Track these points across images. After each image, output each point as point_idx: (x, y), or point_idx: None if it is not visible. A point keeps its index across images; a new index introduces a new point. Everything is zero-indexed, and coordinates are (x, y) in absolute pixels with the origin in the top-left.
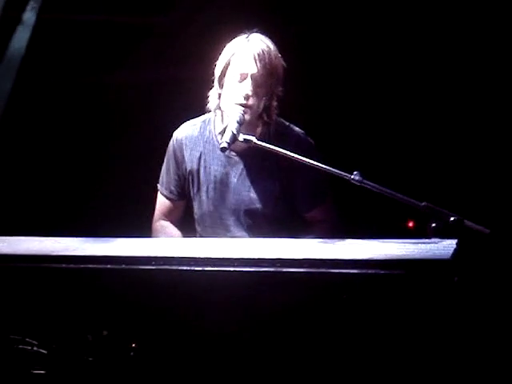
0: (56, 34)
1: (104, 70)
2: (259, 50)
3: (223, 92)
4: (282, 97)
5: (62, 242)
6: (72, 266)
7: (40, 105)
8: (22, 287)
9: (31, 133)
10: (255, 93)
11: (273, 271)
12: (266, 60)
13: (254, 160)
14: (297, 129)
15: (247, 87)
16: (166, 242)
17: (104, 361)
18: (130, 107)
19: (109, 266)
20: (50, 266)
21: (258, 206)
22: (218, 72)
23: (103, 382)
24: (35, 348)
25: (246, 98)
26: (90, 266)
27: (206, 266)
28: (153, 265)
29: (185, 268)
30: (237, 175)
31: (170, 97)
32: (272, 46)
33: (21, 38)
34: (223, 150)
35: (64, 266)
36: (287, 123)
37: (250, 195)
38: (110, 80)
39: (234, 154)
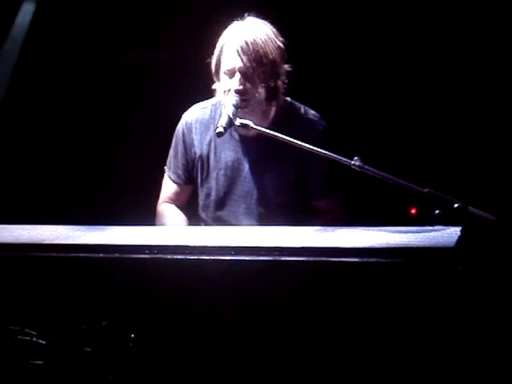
0: (63, 12)
1: (112, 50)
2: (242, 43)
3: (219, 86)
4: (291, 73)
5: (53, 230)
6: (63, 254)
7: (43, 85)
8: (12, 277)
9: (32, 114)
10: (246, 83)
11: (271, 260)
12: (250, 51)
13: (267, 145)
14: (311, 112)
15: (237, 83)
16: (160, 230)
17: (103, 351)
18: (138, 88)
19: (101, 255)
20: (41, 255)
21: (271, 193)
22: (213, 68)
23: (102, 373)
24: (34, 339)
25: (239, 92)
26: (82, 254)
27: (202, 254)
28: (146, 253)
29: (180, 257)
30: (249, 161)
31: (179, 78)
32: (262, 31)
33: (25, 13)
34: (219, 134)
35: (55, 254)
36: (301, 105)
37: (263, 183)
38: (117, 60)
39: (246, 139)
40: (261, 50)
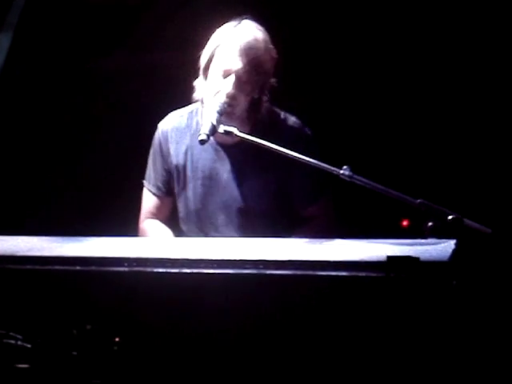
0: (43, 15)
1: (92, 55)
2: (245, 44)
3: (207, 85)
4: (273, 88)
5: (27, 242)
6: (38, 267)
7: (19, 94)
8: None
9: (12, 122)
10: (239, 90)
11: (255, 273)
12: (252, 55)
13: (246, 153)
14: (293, 118)
15: (230, 85)
16: (141, 242)
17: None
18: (118, 94)
19: (78, 268)
20: (14, 268)
21: (252, 203)
22: (202, 63)
23: (87, 376)
24: (19, 342)
25: (229, 96)
26: (57, 267)
27: (183, 268)
28: (125, 266)
29: (160, 270)
30: (227, 170)
31: (161, 84)
32: (261, 37)
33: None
34: (202, 142)
35: (29, 267)
36: (282, 113)
37: (243, 192)
38: (97, 65)
39: (224, 147)
40: (260, 58)
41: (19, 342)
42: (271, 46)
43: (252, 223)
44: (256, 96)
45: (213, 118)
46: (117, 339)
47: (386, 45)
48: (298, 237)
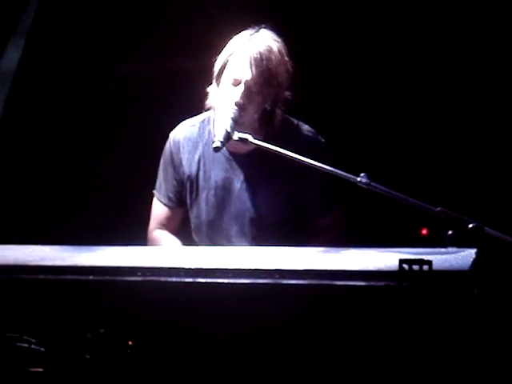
0: (53, 22)
1: (102, 62)
2: (257, 55)
3: (218, 92)
4: (288, 100)
5: (39, 251)
6: (50, 277)
7: (32, 96)
8: None
9: (21, 130)
10: (248, 101)
11: (271, 283)
12: (264, 67)
13: (259, 163)
14: (306, 127)
15: (238, 94)
16: (154, 251)
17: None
18: (130, 102)
19: (91, 278)
20: (26, 278)
21: (264, 213)
22: (216, 70)
23: (100, 380)
24: (33, 346)
25: (237, 105)
26: (70, 277)
27: (198, 277)
28: (139, 276)
29: (174, 279)
30: (240, 180)
31: (173, 92)
32: (276, 49)
33: (12, 56)
34: (216, 149)
35: (42, 277)
36: (296, 121)
37: (256, 202)
38: (108, 73)
39: (236, 157)
40: (273, 69)
41: (33, 346)
42: (287, 59)
43: (265, 233)
44: (269, 108)
45: (227, 124)
46: (130, 343)
47: (404, 53)
48: (311, 246)
